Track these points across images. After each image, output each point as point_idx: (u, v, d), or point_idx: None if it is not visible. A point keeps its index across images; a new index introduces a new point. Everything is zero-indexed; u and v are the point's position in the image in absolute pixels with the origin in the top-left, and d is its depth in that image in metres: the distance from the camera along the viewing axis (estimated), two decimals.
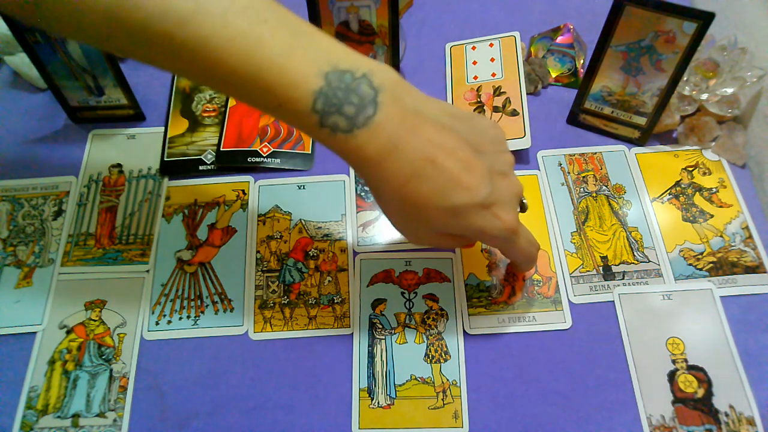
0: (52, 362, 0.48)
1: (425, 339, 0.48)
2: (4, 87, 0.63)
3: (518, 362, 0.47)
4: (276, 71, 0.31)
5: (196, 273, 0.51)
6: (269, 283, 0.50)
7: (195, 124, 0.59)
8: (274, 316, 0.49)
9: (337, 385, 0.47)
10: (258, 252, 0.52)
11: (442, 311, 0.49)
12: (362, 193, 0.55)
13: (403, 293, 0.50)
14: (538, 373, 0.47)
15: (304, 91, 0.32)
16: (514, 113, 0.57)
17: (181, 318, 0.49)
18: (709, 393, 0.46)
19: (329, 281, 0.50)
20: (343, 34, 0.53)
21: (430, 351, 0.48)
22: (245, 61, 0.31)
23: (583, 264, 0.51)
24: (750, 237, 0.52)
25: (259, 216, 0.53)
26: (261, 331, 0.49)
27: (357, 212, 0.54)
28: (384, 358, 0.48)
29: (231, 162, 0.57)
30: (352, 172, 0.56)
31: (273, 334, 0.49)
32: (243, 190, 0.56)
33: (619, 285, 0.50)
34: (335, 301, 0.50)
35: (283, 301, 0.50)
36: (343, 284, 0.50)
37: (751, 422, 0.44)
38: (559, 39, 0.62)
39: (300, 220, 0.53)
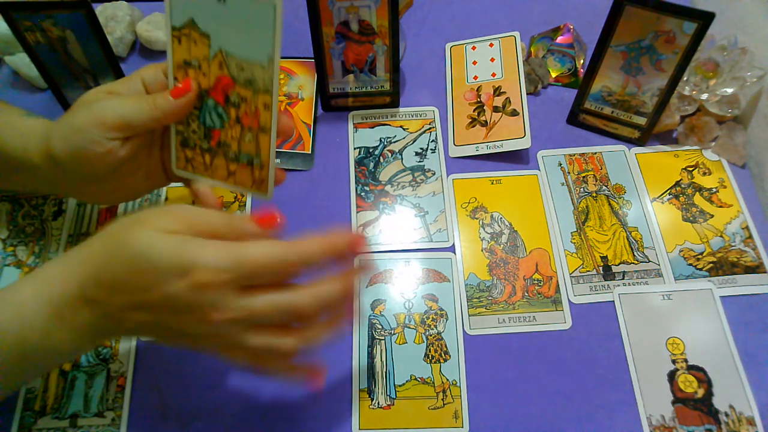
0: None
1: (425, 339, 0.48)
2: (4, 87, 0.63)
3: (518, 362, 0.47)
4: None
5: None
6: (189, 121, 0.43)
7: None
8: (195, 158, 0.44)
9: (337, 385, 0.47)
10: (176, 78, 0.42)
11: (442, 311, 0.49)
12: (362, 193, 0.55)
13: (402, 293, 0.50)
14: (538, 373, 0.47)
15: None
16: (514, 113, 0.57)
17: None
18: (709, 393, 0.45)
19: (249, 139, 0.42)
20: (343, 34, 0.53)
21: (429, 351, 0.48)
22: None
23: (583, 264, 0.51)
24: (750, 237, 0.52)
25: (173, 29, 0.42)
26: None
27: (357, 212, 0.54)
28: (384, 359, 0.47)
29: None
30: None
31: None
32: (241, 192, 0.56)
33: (619, 285, 0.50)
34: (254, 163, 0.43)
35: (203, 146, 0.44)
36: (263, 148, 0.42)
37: (751, 422, 0.44)
38: (559, 39, 0.62)
39: (220, 49, 0.41)
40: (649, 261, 0.51)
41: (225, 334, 0.33)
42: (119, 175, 0.43)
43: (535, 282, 0.51)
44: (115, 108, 0.39)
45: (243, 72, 0.41)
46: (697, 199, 0.55)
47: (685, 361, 0.47)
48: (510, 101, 0.58)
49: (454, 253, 0.52)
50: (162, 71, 0.43)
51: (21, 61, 0.61)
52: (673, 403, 0.45)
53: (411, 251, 0.52)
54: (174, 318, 0.32)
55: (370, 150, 0.58)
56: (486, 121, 0.58)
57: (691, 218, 0.54)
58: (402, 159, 0.57)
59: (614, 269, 0.51)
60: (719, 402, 0.45)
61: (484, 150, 0.57)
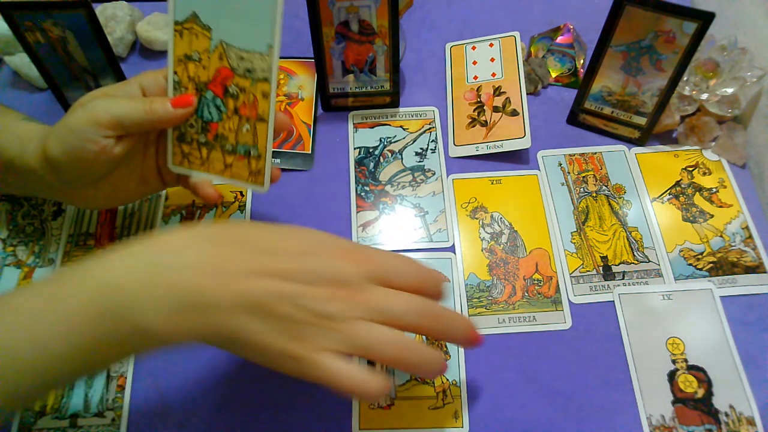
0: None
1: (425, 339, 0.48)
2: (4, 87, 0.63)
3: (518, 362, 0.47)
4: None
5: None
6: None
7: None
8: (192, 153, 0.44)
9: None
10: (175, 73, 0.43)
11: None
12: (362, 193, 0.55)
13: None
14: (538, 373, 0.47)
15: None
16: (514, 113, 0.57)
17: None
18: (709, 393, 0.45)
19: (247, 129, 0.43)
20: (343, 34, 0.53)
21: None
22: None
23: (583, 264, 0.51)
24: (750, 237, 0.52)
25: (176, 24, 0.42)
26: None
27: (357, 212, 0.54)
28: None
29: None
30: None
31: None
32: (241, 192, 0.56)
33: (619, 285, 0.50)
34: (251, 154, 0.43)
35: (200, 140, 0.44)
36: (261, 137, 0.42)
37: (751, 422, 0.44)
38: (559, 39, 0.62)
39: (221, 41, 0.42)
40: (649, 261, 0.51)
41: (347, 321, 0.32)
42: (114, 179, 0.43)
43: (535, 282, 0.51)
44: (108, 107, 0.39)
45: (243, 62, 0.41)
46: (697, 199, 0.55)
47: (685, 361, 0.47)
48: (510, 101, 0.58)
49: (454, 253, 0.52)
50: (162, 76, 0.43)
51: (21, 61, 0.61)
52: (673, 403, 0.45)
53: (411, 251, 0.52)
54: (313, 290, 0.32)
55: (370, 150, 0.58)
56: (486, 121, 0.58)
57: (691, 218, 0.54)
58: (402, 159, 0.57)
59: (614, 269, 0.51)
60: (719, 402, 0.45)
61: (484, 150, 0.57)
